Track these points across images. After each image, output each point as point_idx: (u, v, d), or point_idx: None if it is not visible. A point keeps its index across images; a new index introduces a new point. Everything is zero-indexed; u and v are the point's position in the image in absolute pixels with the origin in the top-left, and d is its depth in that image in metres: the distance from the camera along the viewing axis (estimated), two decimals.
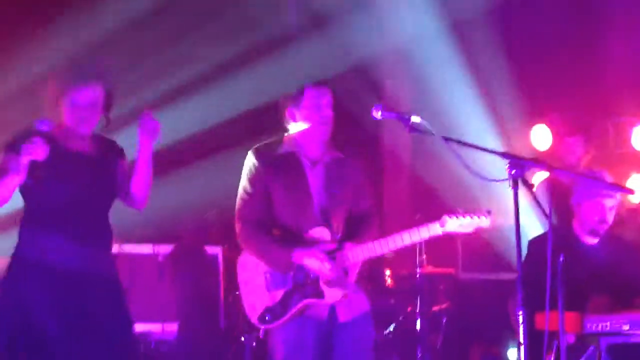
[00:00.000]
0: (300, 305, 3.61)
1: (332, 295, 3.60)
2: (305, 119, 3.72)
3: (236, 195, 3.78)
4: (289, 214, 3.68)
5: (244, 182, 3.77)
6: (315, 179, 3.73)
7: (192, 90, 6.81)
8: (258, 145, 3.81)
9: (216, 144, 6.88)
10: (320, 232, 3.66)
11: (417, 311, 6.13)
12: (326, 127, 3.70)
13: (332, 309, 3.66)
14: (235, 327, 5.93)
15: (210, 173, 6.79)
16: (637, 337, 3.95)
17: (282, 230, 3.70)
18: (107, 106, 3.86)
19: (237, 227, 3.75)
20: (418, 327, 6.11)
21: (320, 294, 3.61)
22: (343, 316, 3.67)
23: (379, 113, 3.54)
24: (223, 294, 6.00)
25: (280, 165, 3.72)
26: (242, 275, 3.75)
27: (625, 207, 6.23)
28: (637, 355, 4.19)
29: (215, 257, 5.98)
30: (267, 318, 3.66)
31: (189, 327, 5.72)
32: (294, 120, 3.77)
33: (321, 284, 3.61)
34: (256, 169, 3.72)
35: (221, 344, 5.94)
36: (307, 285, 3.63)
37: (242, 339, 5.80)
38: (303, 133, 3.75)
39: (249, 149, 3.80)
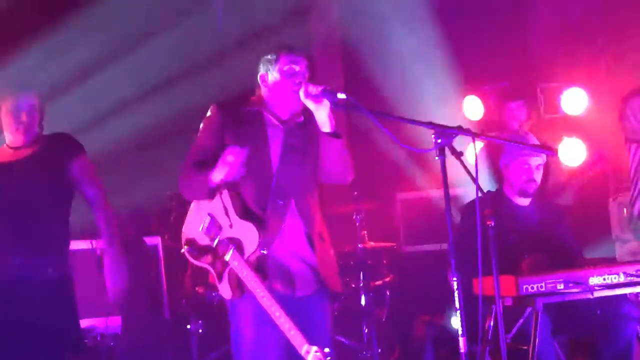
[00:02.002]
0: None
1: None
2: (277, 83, 3.62)
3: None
4: (245, 178, 3.53)
5: (198, 136, 3.67)
6: (276, 141, 3.62)
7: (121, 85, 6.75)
8: (222, 100, 3.70)
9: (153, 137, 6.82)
10: (248, 230, 3.49)
11: (361, 286, 6.19)
12: (298, 95, 3.51)
13: (292, 282, 3.58)
14: (181, 316, 5.91)
15: (146, 166, 6.75)
16: (571, 295, 4.04)
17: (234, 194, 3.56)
18: (42, 115, 4.19)
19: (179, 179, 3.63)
20: (363, 302, 6.17)
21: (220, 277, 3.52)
22: (300, 290, 3.60)
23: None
24: (166, 284, 5.96)
25: (243, 121, 3.60)
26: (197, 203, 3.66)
27: (565, 172, 6.38)
28: (573, 311, 4.31)
29: (155, 247, 5.93)
30: (186, 248, 3.61)
31: (133, 319, 5.68)
32: (266, 84, 3.67)
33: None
34: (214, 122, 3.62)
35: (167, 333, 5.91)
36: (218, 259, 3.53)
37: (188, 327, 5.80)
38: (272, 97, 3.65)
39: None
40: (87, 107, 6.28)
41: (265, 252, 3.51)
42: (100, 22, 6.43)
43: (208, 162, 3.53)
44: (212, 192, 3.55)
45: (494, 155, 5.92)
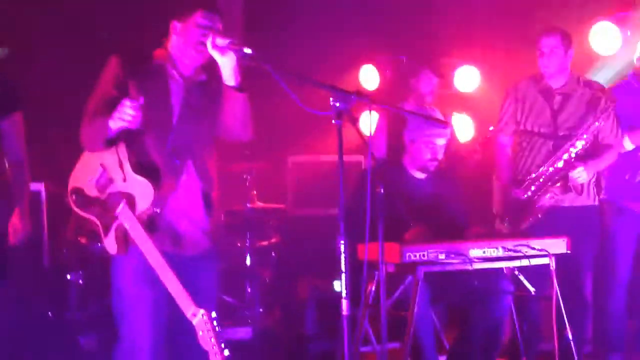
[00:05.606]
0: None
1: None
2: (187, 38, 3.54)
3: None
4: (144, 131, 3.47)
5: (98, 85, 3.56)
6: (176, 97, 3.57)
7: None
8: (123, 51, 3.59)
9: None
10: (142, 186, 3.42)
11: (247, 246, 6.20)
12: (202, 53, 3.50)
13: (180, 242, 3.55)
14: (60, 266, 5.79)
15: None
16: (451, 265, 4.16)
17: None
18: None
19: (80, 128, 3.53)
20: (248, 262, 6.19)
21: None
22: (189, 251, 3.58)
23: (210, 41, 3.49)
24: (47, 232, 5.80)
25: (145, 73, 3.53)
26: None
27: (461, 146, 6.56)
28: (451, 281, 4.45)
29: (37, 193, 5.74)
30: (73, 197, 3.53)
31: (9, 265, 5.51)
32: (175, 32, 3.59)
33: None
34: (116, 73, 3.52)
35: (45, 282, 5.77)
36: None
37: (68, 277, 5.68)
38: (178, 47, 3.59)
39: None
40: None
41: (158, 210, 3.47)
42: None
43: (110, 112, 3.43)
44: (110, 142, 3.46)
45: (390, 126, 6.03)
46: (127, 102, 3.31)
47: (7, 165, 4.35)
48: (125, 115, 3.32)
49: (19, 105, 4.34)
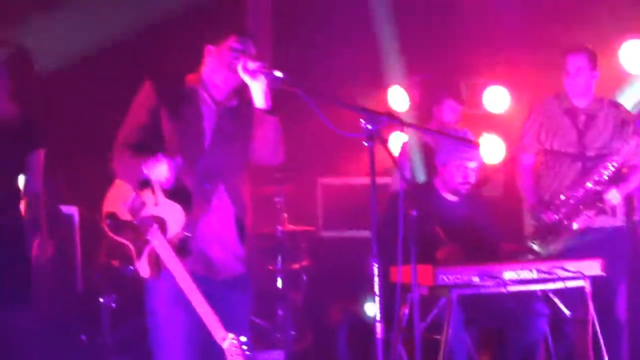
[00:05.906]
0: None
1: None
2: (220, 61, 3.57)
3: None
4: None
5: (131, 113, 3.59)
6: (209, 122, 3.59)
7: None
8: (156, 76, 3.61)
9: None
10: (174, 210, 3.42)
11: (278, 269, 6.19)
12: (234, 73, 3.50)
13: (213, 266, 3.55)
14: (93, 289, 5.81)
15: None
16: (485, 288, 4.13)
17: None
18: (13, 74, 4.51)
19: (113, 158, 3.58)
20: (279, 284, 6.17)
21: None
22: (221, 275, 3.58)
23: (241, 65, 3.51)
24: (80, 256, 5.83)
25: (178, 98, 3.55)
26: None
27: (488, 167, 6.53)
28: (485, 304, 4.41)
29: (70, 217, 5.79)
30: (107, 222, 3.54)
31: (43, 289, 5.55)
32: (208, 57, 3.63)
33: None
34: (149, 100, 3.54)
35: (78, 306, 5.80)
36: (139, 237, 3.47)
37: (101, 300, 5.70)
38: (211, 71, 3.61)
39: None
40: None
41: (189, 234, 3.47)
42: None
43: (143, 144, 3.46)
44: (143, 184, 3.46)
45: (423, 147, 6.01)
46: (164, 160, 3.34)
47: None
48: (161, 173, 3.35)
49: (43, 143, 4.62)
